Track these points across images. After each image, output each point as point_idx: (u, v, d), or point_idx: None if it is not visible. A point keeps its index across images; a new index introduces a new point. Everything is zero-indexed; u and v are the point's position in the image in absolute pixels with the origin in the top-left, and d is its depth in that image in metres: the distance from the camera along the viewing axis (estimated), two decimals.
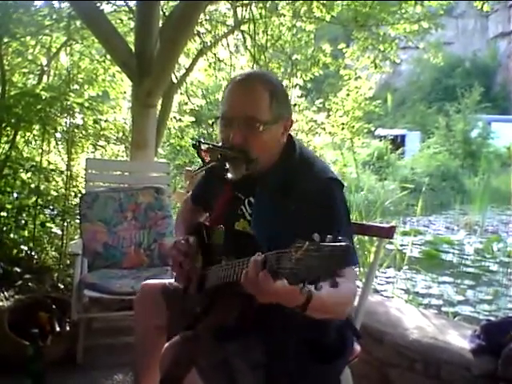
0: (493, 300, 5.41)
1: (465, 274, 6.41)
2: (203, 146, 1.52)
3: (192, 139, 7.10)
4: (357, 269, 1.65)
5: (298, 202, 1.44)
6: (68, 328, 2.77)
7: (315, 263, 0.98)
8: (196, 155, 1.53)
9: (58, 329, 2.73)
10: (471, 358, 2.00)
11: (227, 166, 1.52)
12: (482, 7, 6.30)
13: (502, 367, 1.87)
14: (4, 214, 3.88)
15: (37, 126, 4.16)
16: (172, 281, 1.78)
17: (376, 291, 4.40)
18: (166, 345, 1.51)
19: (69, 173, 4.12)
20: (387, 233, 1.87)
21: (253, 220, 1.58)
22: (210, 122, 6.45)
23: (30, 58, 5.81)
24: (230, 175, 1.53)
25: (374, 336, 2.21)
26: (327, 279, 1.00)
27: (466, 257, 7.44)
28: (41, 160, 4.14)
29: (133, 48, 4.10)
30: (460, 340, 2.15)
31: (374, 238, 1.93)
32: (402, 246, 5.58)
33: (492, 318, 2.73)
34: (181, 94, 6.15)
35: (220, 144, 1.55)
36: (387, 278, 5.45)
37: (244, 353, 1.43)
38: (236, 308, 1.44)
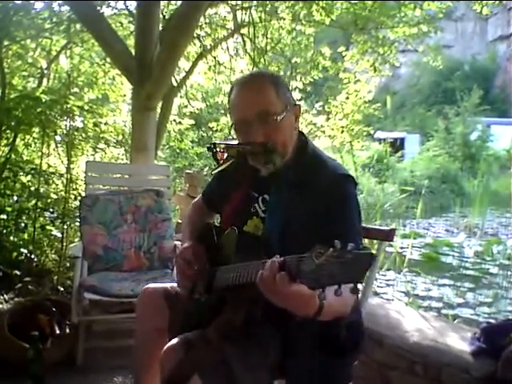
0: (493, 302, 5.41)
1: (465, 276, 6.41)
2: (219, 147, 1.53)
3: (192, 142, 7.12)
4: None
5: (313, 199, 1.46)
6: (68, 330, 2.77)
7: (338, 270, 0.99)
8: (207, 157, 1.55)
9: (57, 331, 2.74)
10: (471, 361, 2.00)
11: (249, 162, 1.54)
12: (481, 10, 6.30)
13: (501, 369, 1.87)
14: (4, 216, 3.88)
15: (37, 129, 4.16)
16: (174, 284, 1.78)
17: (376, 294, 4.40)
18: (166, 347, 1.51)
19: (69, 176, 4.12)
20: (387, 235, 1.87)
21: (267, 217, 1.58)
22: (210, 125, 6.47)
23: (30, 60, 5.83)
24: (261, 172, 1.54)
25: (374, 338, 2.21)
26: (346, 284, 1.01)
27: (465, 259, 7.44)
28: (41, 163, 4.14)
29: (133, 51, 4.11)
30: (460, 342, 2.15)
31: (374, 241, 1.93)
32: (401, 248, 5.59)
33: (492, 321, 2.74)
34: (181, 97, 6.16)
35: (237, 142, 1.57)
36: (387, 280, 5.45)
37: (247, 354, 1.43)
38: (244, 310, 1.45)
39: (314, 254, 1.04)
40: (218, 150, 1.54)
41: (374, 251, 1.87)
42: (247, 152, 1.53)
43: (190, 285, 1.64)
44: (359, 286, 1.09)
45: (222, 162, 1.55)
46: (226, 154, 1.55)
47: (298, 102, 1.65)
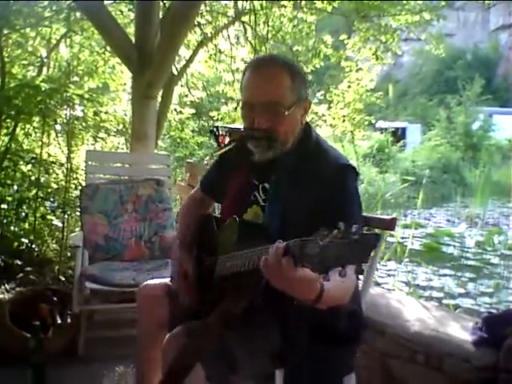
0: (494, 293, 5.41)
1: (466, 266, 6.42)
2: (222, 131, 1.52)
3: (192, 131, 7.09)
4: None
5: (314, 187, 1.45)
6: (69, 320, 2.78)
7: (343, 251, 0.99)
8: (209, 142, 1.54)
9: (59, 321, 2.74)
10: (473, 350, 1.99)
11: (249, 147, 1.53)
12: None
13: (503, 359, 1.87)
14: (4, 206, 3.87)
15: (37, 118, 4.14)
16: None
17: (377, 284, 4.40)
18: (168, 336, 1.51)
19: (69, 165, 4.10)
20: (389, 225, 1.85)
21: (267, 204, 1.57)
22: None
23: (29, 49, 5.80)
24: (256, 156, 1.53)
25: (375, 328, 2.21)
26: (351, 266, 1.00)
27: (466, 249, 7.44)
28: (41, 152, 4.12)
29: (133, 39, 4.08)
30: (461, 332, 2.15)
31: (376, 231, 1.91)
32: (402, 238, 5.58)
33: (493, 311, 2.74)
34: (181, 85, 6.13)
35: (242, 127, 1.56)
36: (388, 270, 5.46)
37: (248, 342, 1.43)
38: (244, 298, 1.44)
39: (318, 236, 1.03)
40: (220, 133, 1.53)
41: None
42: (249, 136, 1.51)
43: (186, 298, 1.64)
44: (363, 267, 1.09)
45: (223, 145, 1.53)
46: (227, 138, 1.54)
47: (309, 98, 1.62)
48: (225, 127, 1.56)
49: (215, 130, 1.54)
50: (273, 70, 1.53)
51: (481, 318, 2.15)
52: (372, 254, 1.73)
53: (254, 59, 1.64)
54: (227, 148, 1.54)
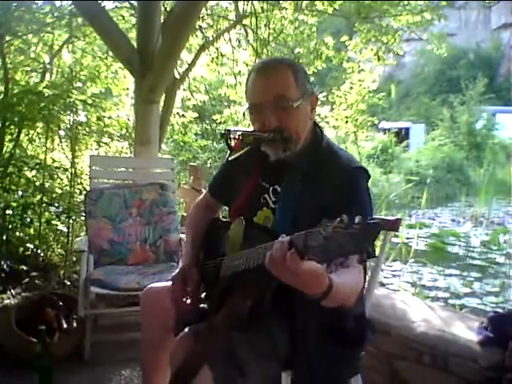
0: (499, 292, 5.39)
1: (471, 266, 6.40)
2: (233, 135, 1.51)
3: (195, 135, 7.10)
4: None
5: (326, 191, 1.46)
6: (75, 324, 2.78)
7: (346, 240, 0.99)
8: (223, 145, 1.53)
9: (65, 325, 2.75)
10: (479, 350, 1.99)
11: (263, 149, 1.53)
12: None
13: (509, 358, 1.86)
14: (9, 212, 3.88)
15: (40, 124, 4.17)
16: None
17: (382, 285, 4.39)
18: (177, 338, 1.51)
19: (73, 170, 4.13)
20: (393, 225, 1.85)
21: (278, 207, 1.57)
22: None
23: (32, 55, 5.83)
24: (271, 157, 1.54)
25: (380, 329, 2.20)
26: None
27: (472, 249, 7.42)
28: (45, 158, 4.14)
29: (135, 44, 4.09)
30: (467, 332, 2.14)
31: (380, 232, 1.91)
32: (407, 239, 5.57)
33: (499, 310, 2.73)
34: (183, 89, 6.14)
35: (252, 129, 1.56)
36: (393, 271, 5.44)
37: (256, 344, 1.43)
38: (250, 297, 1.45)
39: (321, 227, 1.04)
40: (231, 137, 1.52)
41: (379, 241, 1.85)
42: (263, 139, 1.51)
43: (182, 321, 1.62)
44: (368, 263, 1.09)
45: (235, 149, 1.53)
46: (240, 142, 1.53)
47: (315, 93, 1.63)
48: (237, 130, 1.54)
49: (227, 133, 1.53)
50: (275, 68, 1.54)
51: (486, 318, 2.14)
52: (376, 250, 1.73)
53: (256, 63, 1.66)
54: (242, 152, 1.53)
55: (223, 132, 1.52)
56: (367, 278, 1.80)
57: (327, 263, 1.04)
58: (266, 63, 1.64)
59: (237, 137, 1.50)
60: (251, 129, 1.58)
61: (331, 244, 1.01)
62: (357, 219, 1.00)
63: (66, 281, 3.65)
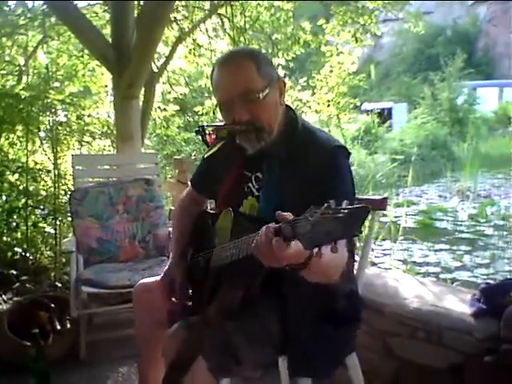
0: (490, 263, 5.46)
1: (460, 240, 6.47)
2: (208, 130, 1.51)
3: (178, 128, 7.06)
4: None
5: (307, 172, 1.45)
6: (69, 325, 2.77)
7: (334, 226, 0.99)
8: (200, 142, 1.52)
9: (58, 327, 2.73)
10: (473, 322, 2.00)
11: (238, 142, 1.52)
12: None
13: (504, 329, 1.87)
14: None
15: (20, 127, 4.11)
16: None
17: (373, 264, 4.42)
18: (169, 331, 1.51)
19: (56, 171, 4.08)
20: (380, 204, 1.87)
21: (262, 195, 1.57)
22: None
23: (7, 58, 5.74)
24: (247, 150, 1.53)
25: (373, 308, 2.21)
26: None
27: (460, 223, 7.49)
28: (27, 160, 4.08)
29: (110, 40, 4.04)
30: (460, 305, 2.16)
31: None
32: (396, 217, 5.61)
33: (490, 282, 2.75)
34: (163, 83, 6.08)
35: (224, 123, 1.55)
36: (384, 250, 5.48)
37: (249, 331, 1.43)
38: (241, 288, 1.45)
39: (309, 214, 1.04)
40: (206, 132, 1.52)
41: (367, 221, 1.86)
42: (237, 131, 1.50)
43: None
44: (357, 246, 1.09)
45: (211, 144, 1.53)
46: (214, 137, 1.53)
47: (281, 77, 1.62)
48: (210, 125, 1.54)
49: (201, 129, 1.52)
50: (236, 61, 1.53)
51: (478, 290, 2.15)
52: (365, 230, 1.73)
53: (216, 60, 1.65)
54: (217, 147, 1.52)
55: (197, 129, 1.51)
56: (357, 258, 1.81)
57: (317, 247, 1.04)
58: (226, 58, 1.61)
59: (211, 132, 1.50)
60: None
61: (319, 230, 1.01)
62: (344, 204, 1.00)
63: (57, 283, 3.63)
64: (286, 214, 1.15)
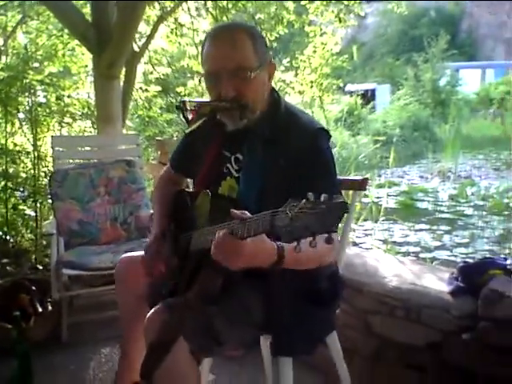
0: (469, 243, 5.54)
1: (440, 219, 6.55)
2: (189, 106, 1.48)
3: (160, 109, 6.99)
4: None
5: (288, 154, 1.45)
6: (50, 307, 2.76)
7: (312, 220, 1.00)
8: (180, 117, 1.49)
9: (40, 309, 2.72)
10: (451, 300, 2.03)
11: (220, 118, 1.51)
12: None
13: (481, 307, 1.90)
14: None
15: None
16: None
17: (355, 244, 4.46)
18: (149, 313, 1.51)
19: (36, 153, 4.03)
20: (360, 185, 1.88)
21: (242, 176, 1.56)
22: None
23: None
24: (228, 127, 1.52)
25: (353, 287, 2.24)
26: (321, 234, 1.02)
27: (440, 203, 7.58)
28: (6, 142, 4.02)
29: (90, 19, 3.98)
30: (438, 283, 2.19)
31: (350, 192, 1.94)
32: (377, 198, 5.66)
33: (469, 261, 2.79)
34: (145, 63, 6.00)
35: (209, 99, 1.53)
36: (365, 230, 5.53)
37: (230, 313, 1.44)
38: (222, 272, 1.43)
39: (287, 208, 1.04)
40: (188, 108, 1.49)
41: (348, 201, 1.87)
42: (220, 109, 1.49)
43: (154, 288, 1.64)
44: (335, 237, 1.10)
45: (192, 120, 1.50)
46: (196, 113, 1.50)
47: (273, 60, 1.60)
48: (192, 101, 1.51)
49: (182, 105, 1.49)
50: (234, 35, 1.49)
51: (456, 268, 2.19)
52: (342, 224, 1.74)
53: (212, 28, 1.61)
54: (198, 123, 1.50)
55: (178, 104, 1.48)
56: (338, 238, 1.82)
57: (295, 241, 1.05)
58: (223, 28, 1.59)
59: (193, 108, 1.47)
60: (207, 99, 1.55)
61: (297, 224, 1.01)
62: (322, 198, 1.00)
63: (38, 265, 3.60)
64: (239, 212, 1.18)
